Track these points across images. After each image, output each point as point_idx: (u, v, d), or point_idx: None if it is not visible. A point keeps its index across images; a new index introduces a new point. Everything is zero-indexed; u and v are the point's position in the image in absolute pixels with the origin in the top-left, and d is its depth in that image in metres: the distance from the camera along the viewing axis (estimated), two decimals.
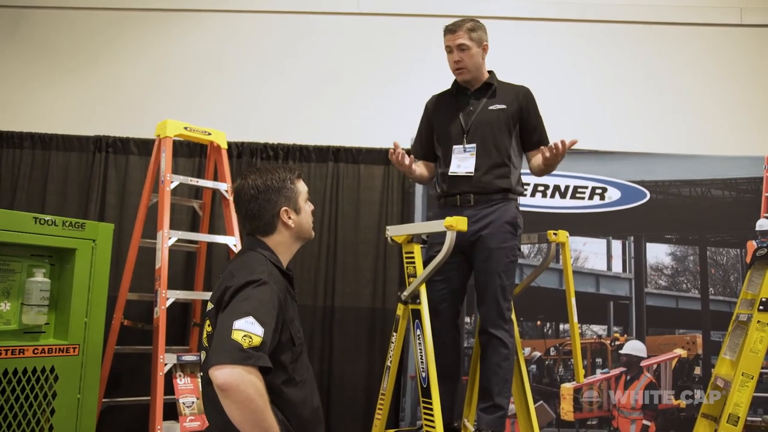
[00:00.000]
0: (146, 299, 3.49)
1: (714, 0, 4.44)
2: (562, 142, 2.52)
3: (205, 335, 1.82)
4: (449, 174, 2.70)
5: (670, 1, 4.42)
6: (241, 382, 1.50)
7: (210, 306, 1.82)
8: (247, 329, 1.56)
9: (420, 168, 2.87)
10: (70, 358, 2.72)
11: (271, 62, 4.44)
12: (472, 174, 2.64)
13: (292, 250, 1.96)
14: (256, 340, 1.56)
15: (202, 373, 1.88)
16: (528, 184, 3.85)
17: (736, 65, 4.34)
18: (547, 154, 2.55)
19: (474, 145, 2.68)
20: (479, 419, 2.58)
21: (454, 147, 2.73)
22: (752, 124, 4.22)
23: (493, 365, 2.56)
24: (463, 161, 2.68)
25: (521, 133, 2.73)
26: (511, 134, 2.69)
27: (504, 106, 2.69)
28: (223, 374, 1.50)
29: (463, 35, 2.68)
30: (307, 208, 1.98)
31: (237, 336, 1.55)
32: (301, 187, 1.97)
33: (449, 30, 2.73)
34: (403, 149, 2.67)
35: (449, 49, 2.74)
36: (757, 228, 3.81)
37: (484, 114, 2.70)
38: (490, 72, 2.82)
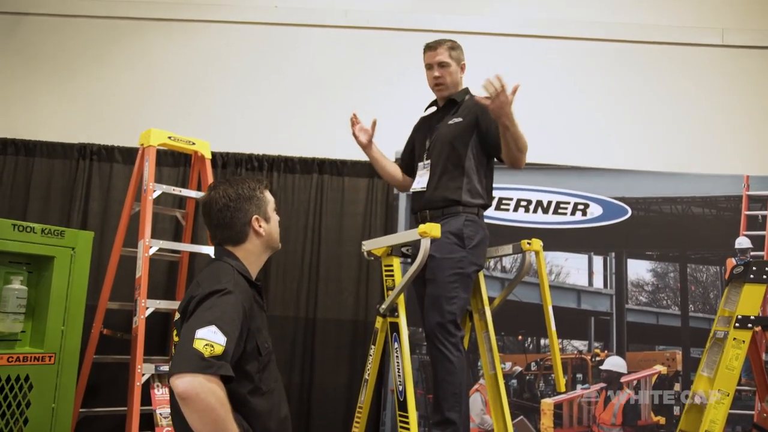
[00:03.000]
0: (127, 308, 3.47)
1: (696, 20, 4.51)
2: (496, 77, 2.41)
3: (173, 345, 1.82)
4: (410, 191, 2.82)
5: (653, 20, 4.48)
6: (201, 391, 1.50)
7: (177, 316, 1.82)
8: (209, 338, 1.56)
9: (393, 166, 3.02)
10: (45, 366, 2.70)
11: (257, 73, 4.45)
12: (425, 189, 2.71)
13: (262, 259, 1.97)
14: (218, 349, 1.56)
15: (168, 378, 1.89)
16: (510, 199, 3.87)
17: (716, 85, 4.39)
18: (486, 94, 2.43)
19: (430, 161, 2.75)
20: None
21: (418, 164, 2.81)
22: (732, 143, 4.26)
23: (439, 379, 2.53)
24: (421, 177, 2.77)
25: (483, 143, 2.70)
26: (467, 146, 2.69)
27: (461, 119, 2.72)
28: (183, 383, 1.50)
29: (444, 52, 2.76)
30: (274, 217, 2.00)
31: (198, 345, 1.55)
32: (269, 196, 1.99)
33: (430, 47, 2.81)
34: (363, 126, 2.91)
35: (429, 66, 2.81)
36: (737, 246, 3.85)
37: (443, 129, 2.76)
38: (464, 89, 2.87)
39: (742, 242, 3.84)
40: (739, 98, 4.35)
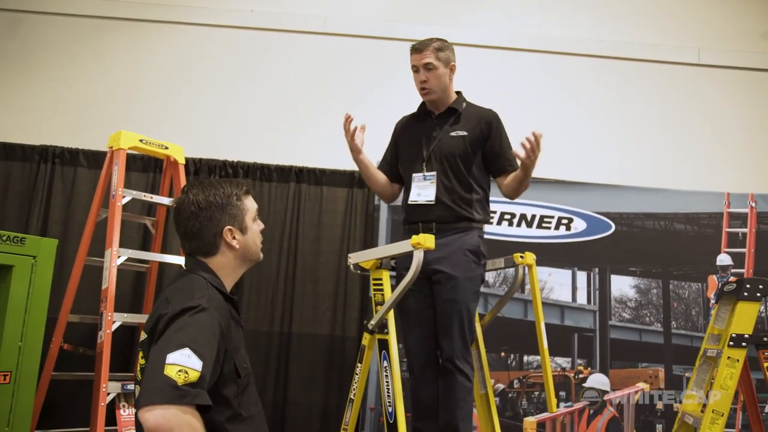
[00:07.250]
0: (87, 321, 3.27)
1: (674, 39, 4.53)
2: (533, 134, 2.40)
3: (138, 368, 1.63)
4: (409, 202, 2.64)
5: (633, 37, 4.48)
6: (176, 425, 1.32)
7: (143, 336, 1.62)
8: (183, 363, 1.38)
9: (377, 172, 2.80)
10: None
11: (233, 77, 4.29)
12: (433, 202, 2.57)
13: (237, 273, 1.78)
14: (193, 375, 1.38)
15: (137, 411, 1.69)
16: (495, 212, 3.79)
17: (696, 103, 4.41)
18: (522, 154, 2.40)
19: (434, 173, 2.61)
20: None
21: (414, 175, 2.66)
22: (713, 160, 4.27)
23: (459, 400, 2.43)
24: (423, 189, 2.62)
25: (485, 160, 2.65)
26: (473, 161, 2.61)
27: (465, 133, 2.62)
28: (154, 416, 1.32)
29: (430, 54, 2.62)
30: (255, 227, 1.79)
31: (171, 371, 1.36)
32: (249, 204, 1.78)
33: (416, 49, 2.66)
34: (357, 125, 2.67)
35: (415, 69, 2.67)
36: (718, 263, 3.84)
37: (446, 141, 2.63)
38: (457, 93, 2.75)
39: (723, 259, 3.83)
40: (717, 117, 4.37)
